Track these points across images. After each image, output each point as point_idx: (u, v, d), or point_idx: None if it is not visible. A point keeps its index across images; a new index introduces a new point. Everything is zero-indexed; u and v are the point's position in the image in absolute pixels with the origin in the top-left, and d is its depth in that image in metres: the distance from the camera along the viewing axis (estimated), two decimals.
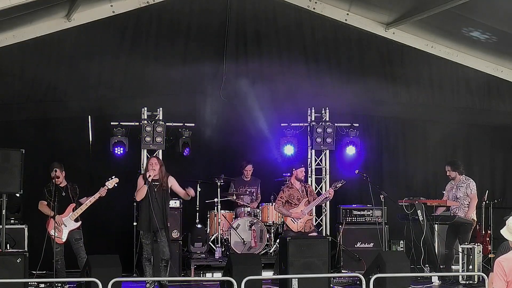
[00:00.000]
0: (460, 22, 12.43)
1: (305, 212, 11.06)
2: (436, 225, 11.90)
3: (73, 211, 10.52)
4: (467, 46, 13.50)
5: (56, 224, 10.20)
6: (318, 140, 12.86)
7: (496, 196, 13.12)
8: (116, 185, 10.48)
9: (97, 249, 10.81)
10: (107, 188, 10.42)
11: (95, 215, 11.35)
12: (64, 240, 10.46)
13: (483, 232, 12.17)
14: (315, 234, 11.28)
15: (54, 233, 10.16)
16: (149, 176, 10.10)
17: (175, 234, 11.70)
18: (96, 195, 10.44)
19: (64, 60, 12.46)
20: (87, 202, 10.50)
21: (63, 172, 10.59)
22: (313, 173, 13.11)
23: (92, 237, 11.20)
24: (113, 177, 10.48)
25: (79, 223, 10.59)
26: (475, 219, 11.70)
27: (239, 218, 12.33)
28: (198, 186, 12.37)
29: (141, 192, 10.12)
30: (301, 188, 11.24)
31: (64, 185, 10.62)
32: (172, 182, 10.38)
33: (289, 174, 11.79)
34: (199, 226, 12.22)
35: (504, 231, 5.72)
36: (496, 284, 5.49)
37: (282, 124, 13.03)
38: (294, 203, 11.11)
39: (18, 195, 10.52)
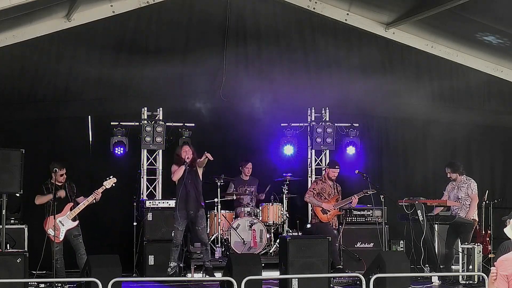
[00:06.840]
0: (460, 22, 12.43)
1: (335, 207, 11.72)
2: (436, 225, 11.90)
3: (71, 210, 10.52)
4: (467, 46, 13.49)
5: (54, 223, 10.19)
6: (318, 140, 12.89)
7: (496, 196, 13.08)
8: (114, 184, 10.48)
9: (97, 249, 10.80)
10: (104, 187, 10.41)
11: (95, 215, 11.35)
12: (61, 238, 10.46)
13: (483, 232, 12.14)
14: (335, 232, 11.79)
15: (54, 233, 10.15)
16: (188, 158, 10.54)
17: None
18: (94, 195, 10.44)
19: (64, 60, 12.45)
20: (85, 201, 10.51)
21: (63, 170, 10.60)
22: (313, 173, 13.14)
23: (92, 237, 11.20)
24: (111, 176, 10.49)
25: (76, 222, 10.60)
26: (476, 219, 11.68)
27: (239, 218, 12.32)
28: None
29: (178, 172, 10.51)
30: (333, 185, 11.89)
31: (62, 184, 10.62)
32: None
33: (289, 174, 12.45)
34: None
35: (507, 230, 5.72)
36: (497, 284, 5.48)
37: (282, 124, 13.05)
38: (324, 196, 11.74)
39: (18, 195, 10.51)
